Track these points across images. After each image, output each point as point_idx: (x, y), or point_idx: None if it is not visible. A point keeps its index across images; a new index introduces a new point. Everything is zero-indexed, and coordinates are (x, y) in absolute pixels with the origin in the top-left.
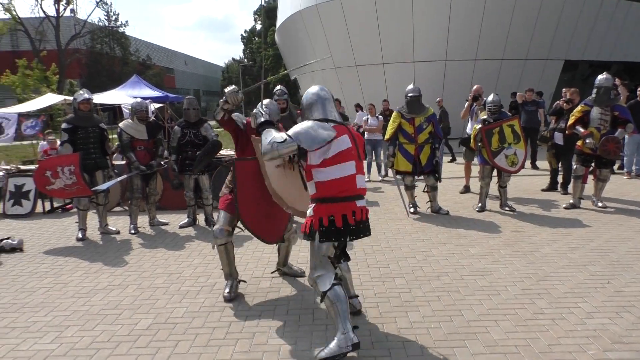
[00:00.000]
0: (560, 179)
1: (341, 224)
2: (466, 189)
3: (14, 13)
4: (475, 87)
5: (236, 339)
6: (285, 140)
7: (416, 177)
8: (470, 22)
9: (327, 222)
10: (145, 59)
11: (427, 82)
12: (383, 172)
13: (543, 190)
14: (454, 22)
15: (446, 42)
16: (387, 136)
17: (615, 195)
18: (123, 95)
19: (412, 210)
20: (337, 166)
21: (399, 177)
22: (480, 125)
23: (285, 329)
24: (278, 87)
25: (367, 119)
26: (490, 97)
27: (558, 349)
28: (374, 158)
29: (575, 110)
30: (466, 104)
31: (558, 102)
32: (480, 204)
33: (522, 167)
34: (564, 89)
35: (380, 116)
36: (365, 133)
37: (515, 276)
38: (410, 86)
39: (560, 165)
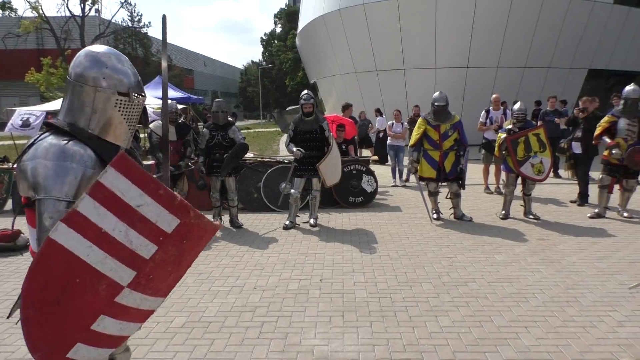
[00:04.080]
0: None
1: None
2: (488, 189)
3: (41, 12)
4: (494, 96)
5: (270, 339)
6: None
7: (440, 184)
8: (494, 29)
9: None
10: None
11: (448, 88)
12: (405, 177)
13: (572, 201)
14: (477, 28)
15: (468, 49)
16: (411, 142)
17: None
18: (147, 96)
19: (435, 216)
20: None
21: (422, 183)
22: (505, 135)
23: (317, 330)
24: (305, 91)
25: (392, 124)
26: (516, 106)
27: (590, 357)
28: (396, 164)
29: (602, 121)
30: (481, 118)
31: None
32: (504, 212)
33: (548, 175)
34: (583, 98)
35: (405, 123)
36: (389, 138)
37: (543, 284)
38: (437, 94)
39: (576, 175)
